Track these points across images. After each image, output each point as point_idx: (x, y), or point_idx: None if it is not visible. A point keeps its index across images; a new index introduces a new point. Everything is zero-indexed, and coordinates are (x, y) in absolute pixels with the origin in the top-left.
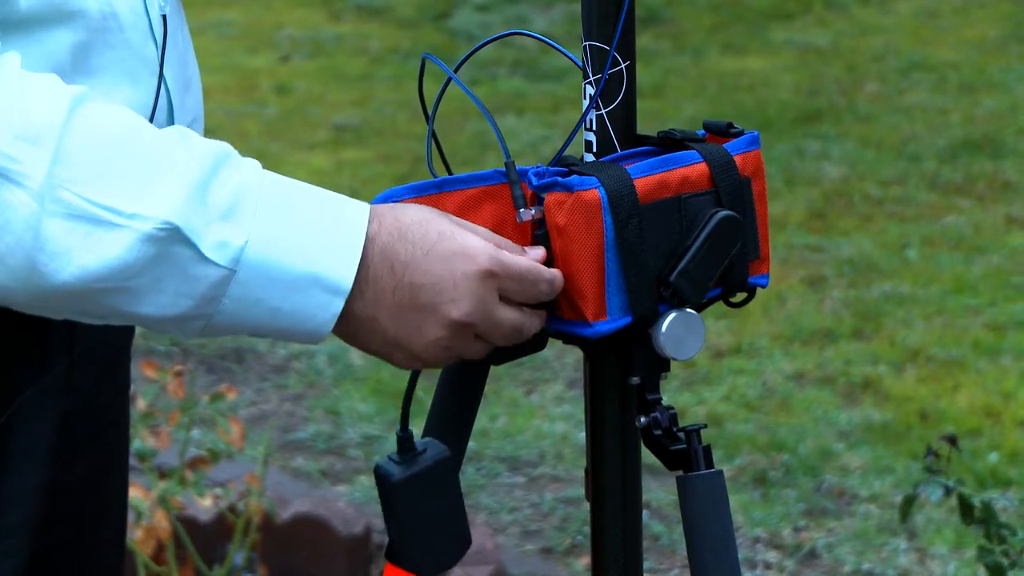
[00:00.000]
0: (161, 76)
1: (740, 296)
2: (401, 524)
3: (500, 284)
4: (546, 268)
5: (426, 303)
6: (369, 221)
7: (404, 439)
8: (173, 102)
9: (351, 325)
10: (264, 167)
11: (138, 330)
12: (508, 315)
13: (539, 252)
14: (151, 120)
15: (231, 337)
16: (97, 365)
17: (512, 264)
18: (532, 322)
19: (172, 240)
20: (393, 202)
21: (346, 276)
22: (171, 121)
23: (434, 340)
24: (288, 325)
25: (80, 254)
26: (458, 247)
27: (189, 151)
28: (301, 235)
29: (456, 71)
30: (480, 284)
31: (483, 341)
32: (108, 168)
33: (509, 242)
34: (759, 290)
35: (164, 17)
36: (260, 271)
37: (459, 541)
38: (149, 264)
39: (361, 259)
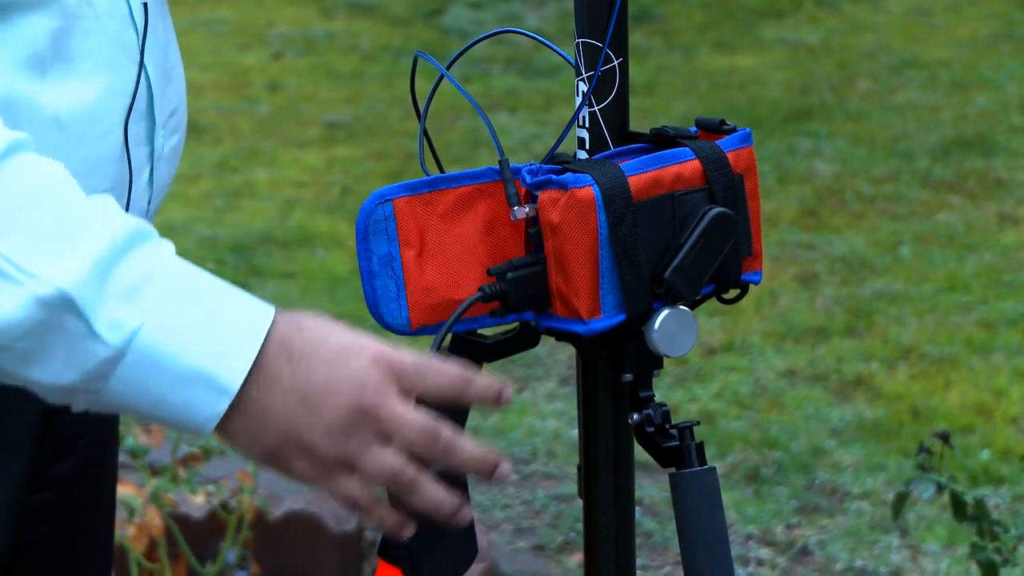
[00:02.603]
0: (142, 64)
1: (733, 293)
2: (415, 536)
3: (395, 373)
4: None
5: (320, 385)
6: (271, 324)
7: None
8: (153, 91)
9: (243, 421)
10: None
11: None
12: (412, 413)
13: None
14: (130, 108)
15: None
16: None
17: (401, 356)
18: (443, 426)
19: (64, 310)
20: (386, 200)
21: (235, 379)
22: (151, 110)
23: (333, 423)
24: (172, 416)
25: None
26: (351, 339)
27: (107, 224)
28: (198, 329)
29: (449, 69)
30: (372, 368)
31: (389, 447)
32: (21, 222)
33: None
34: (752, 287)
35: (145, 5)
36: (150, 358)
37: (467, 552)
38: (38, 328)
39: (257, 356)
